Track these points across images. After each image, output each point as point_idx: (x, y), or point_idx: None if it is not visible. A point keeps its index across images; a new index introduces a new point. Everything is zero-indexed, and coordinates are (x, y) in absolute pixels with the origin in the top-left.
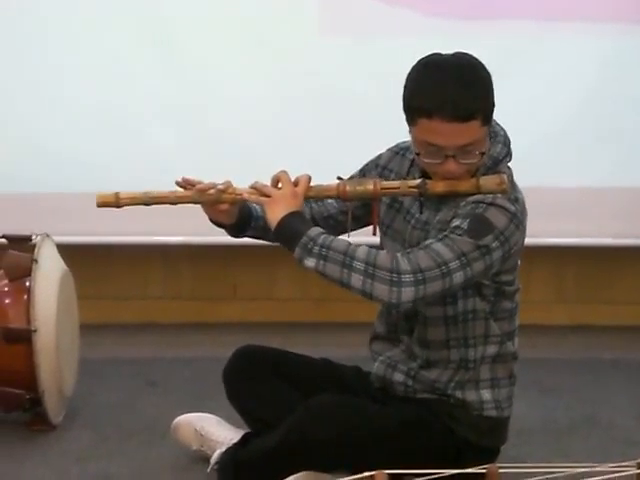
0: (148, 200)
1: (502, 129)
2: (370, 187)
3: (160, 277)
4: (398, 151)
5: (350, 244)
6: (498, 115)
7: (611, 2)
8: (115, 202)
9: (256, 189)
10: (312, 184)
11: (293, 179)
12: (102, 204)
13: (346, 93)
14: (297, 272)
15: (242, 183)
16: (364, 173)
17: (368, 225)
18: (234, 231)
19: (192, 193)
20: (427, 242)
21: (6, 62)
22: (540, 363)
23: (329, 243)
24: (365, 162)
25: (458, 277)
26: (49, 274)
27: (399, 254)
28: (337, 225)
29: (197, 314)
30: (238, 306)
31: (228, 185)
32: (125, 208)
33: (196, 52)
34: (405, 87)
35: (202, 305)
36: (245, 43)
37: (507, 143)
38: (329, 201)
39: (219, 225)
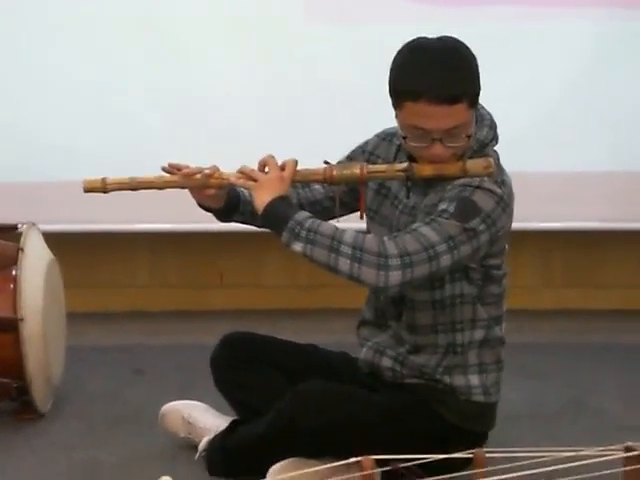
0: (135, 185)
1: (488, 113)
2: (357, 171)
3: (147, 265)
4: (385, 137)
5: (337, 228)
6: (486, 100)
7: None
8: (102, 187)
9: (243, 173)
10: (299, 168)
11: (280, 163)
12: (89, 189)
13: (333, 80)
14: (284, 259)
15: (229, 168)
16: (351, 159)
17: (355, 211)
18: (222, 216)
19: (178, 178)
20: (414, 225)
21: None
22: (528, 348)
23: (316, 227)
24: (352, 148)
25: (445, 260)
26: (35, 263)
27: (386, 238)
28: (324, 211)
29: (184, 302)
30: (225, 293)
31: (214, 170)
32: (111, 195)
33: (183, 39)
34: (391, 71)
35: (189, 293)
36: (232, 31)
37: (493, 127)
38: (315, 187)
39: (207, 209)
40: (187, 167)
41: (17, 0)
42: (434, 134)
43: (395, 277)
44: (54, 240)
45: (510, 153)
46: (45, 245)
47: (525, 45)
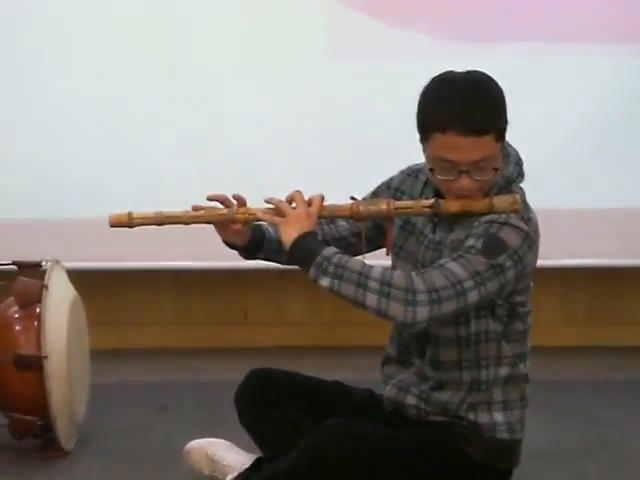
0: (161, 220)
1: (514, 149)
2: (383, 207)
3: (171, 302)
4: (410, 173)
5: (365, 264)
6: (509, 136)
7: (621, 23)
8: (128, 222)
9: (272, 204)
10: (325, 204)
11: (307, 199)
12: (115, 224)
13: (357, 115)
14: (308, 296)
15: (253, 204)
16: (376, 195)
17: (380, 247)
18: (246, 253)
19: (205, 213)
20: (441, 261)
21: (10, 91)
22: (552, 385)
23: (344, 262)
24: (377, 184)
25: (472, 296)
26: (59, 300)
27: (414, 273)
28: (348, 247)
29: (208, 339)
30: (249, 331)
31: (241, 199)
32: (136, 233)
33: (207, 75)
34: (419, 104)
35: (213, 330)
36: (255, 66)
37: (519, 163)
38: (340, 223)
39: (231, 246)
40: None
41: (40, 37)
42: (461, 166)
43: (423, 313)
44: (78, 277)
45: (533, 189)
46: (69, 282)
47: (548, 81)
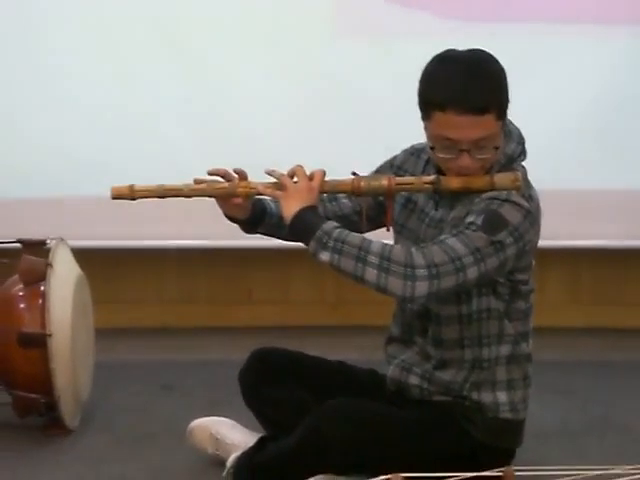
0: (162, 192)
1: (516, 128)
2: (384, 182)
3: (175, 281)
4: (413, 152)
5: (365, 238)
6: (513, 116)
7: (624, 4)
8: (130, 194)
9: (273, 176)
10: (327, 179)
11: (308, 174)
12: (117, 196)
13: (362, 95)
14: (312, 275)
15: (255, 179)
16: (379, 173)
17: (382, 226)
18: (248, 227)
19: (206, 186)
20: (441, 237)
21: (20, 68)
22: (555, 365)
23: (344, 237)
24: (380, 163)
25: (472, 272)
26: (64, 278)
27: (413, 248)
28: (350, 225)
29: (212, 318)
30: (253, 310)
31: (243, 173)
32: (140, 211)
33: (211, 54)
34: (420, 82)
35: (217, 309)
36: (260, 46)
37: (521, 142)
38: (343, 200)
39: (233, 220)
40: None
41: (47, 18)
42: (462, 145)
43: (422, 288)
44: (83, 256)
45: (537, 170)
46: (74, 261)
47: (551, 61)
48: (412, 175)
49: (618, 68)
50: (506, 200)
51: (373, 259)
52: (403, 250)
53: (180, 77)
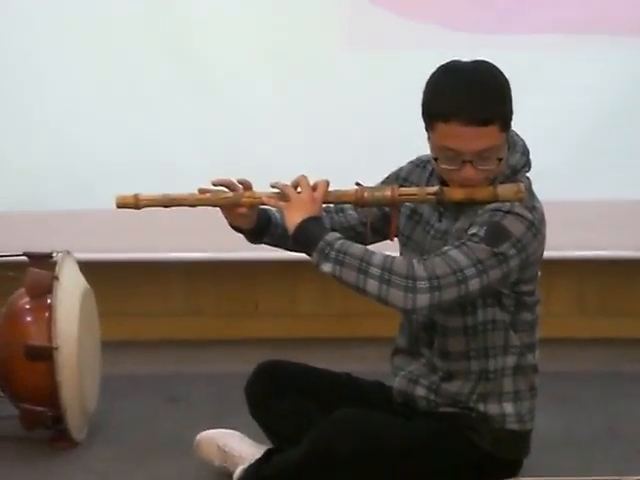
0: (167, 202)
1: (521, 139)
2: (388, 193)
3: (181, 293)
4: (419, 164)
5: (367, 250)
6: (520, 128)
7: (628, 15)
8: (134, 203)
9: (277, 188)
10: (330, 189)
11: (312, 184)
12: (121, 205)
13: (367, 105)
14: (319, 288)
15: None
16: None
17: (388, 238)
18: (252, 237)
19: (211, 195)
20: (444, 249)
21: (23, 79)
22: (562, 376)
23: (346, 248)
24: (387, 174)
25: (474, 284)
26: (70, 291)
27: (415, 260)
28: (357, 236)
29: (219, 330)
30: (260, 322)
31: (247, 183)
32: (147, 224)
33: (218, 65)
34: (424, 92)
35: (224, 321)
36: (266, 56)
37: (526, 153)
38: (349, 212)
39: (238, 230)
40: (221, 190)
41: (61, 29)
42: (465, 156)
43: (423, 300)
44: (89, 268)
45: (542, 181)
46: (80, 273)
47: (561, 73)
48: (417, 186)
49: (631, 80)
50: (509, 212)
51: (374, 271)
52: (405, 262)
53: (186, 88)
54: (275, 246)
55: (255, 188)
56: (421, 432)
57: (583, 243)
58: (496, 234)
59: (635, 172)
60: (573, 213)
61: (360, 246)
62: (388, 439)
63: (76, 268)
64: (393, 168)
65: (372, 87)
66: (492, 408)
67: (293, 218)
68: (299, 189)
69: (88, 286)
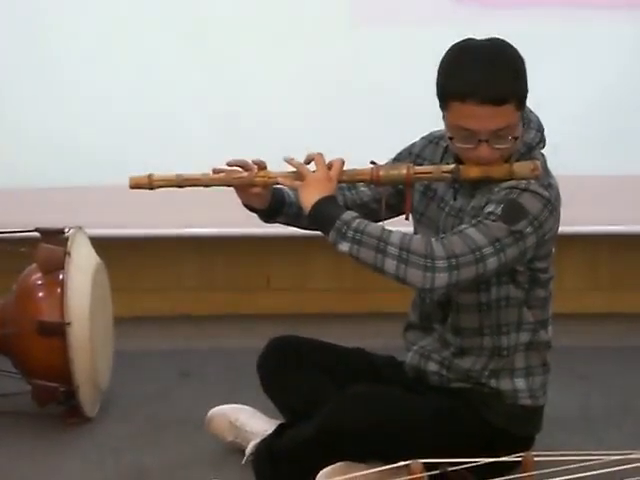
0: (181, 182)
1: (535, 116)
2: (403, 172)
3: (194, 269)
4: (432, 139)
5: (384, 229)
6: (531, 103)
7: None
8: (148, 184)
9: (292, 164)
10: (345, 168)
11: (327, 163)
12: (135, 186)
13: (378, 82)
14: (331, 263)
15: (272, 168)
16: (398, 161)
17: (401, 214)
18: (266, 216)
19: (225, 175)
20: (461, 227)
21: (33, 58)
22: (574, 351)
23: (363, 227)
24: (399, 151)
25: (492, 263)
26: (82, 267)
27: (433, 239)
28: (370, 213)
29: (231, 305)
30: (272, 297)
31: (262, 164)
32: (159, 200)
33: (227, 43)
34: (439, 72)
35: (236, 296)
36: (277, 36)
37: (540, 130)
38: (362, 189)
39: (252, 210)
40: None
41: (56, 9)
42: (480, 135)
43: (442, 279)
44: (101, 244)
45: (556, 156)
46: (92, 249)
47: (569, 47)
48: (431, 163)
49: (630, 53)
50: (525, 189)
51: (392, 250)
52: (423, 241)
53: (197, 68)
54: (289, 225)
55: (269, 167)
56: (433, 407)
57: (595, 218)
58: (513, 212)
59: None
60: (585, 188)
61: (377, 225)
62: (400, 414)
63: (88, 244)
64: (405, 144)
65: (383, 63)
66: (504, 384)
67: (309, 197)
68: (314, 167)
69: (100, 261)
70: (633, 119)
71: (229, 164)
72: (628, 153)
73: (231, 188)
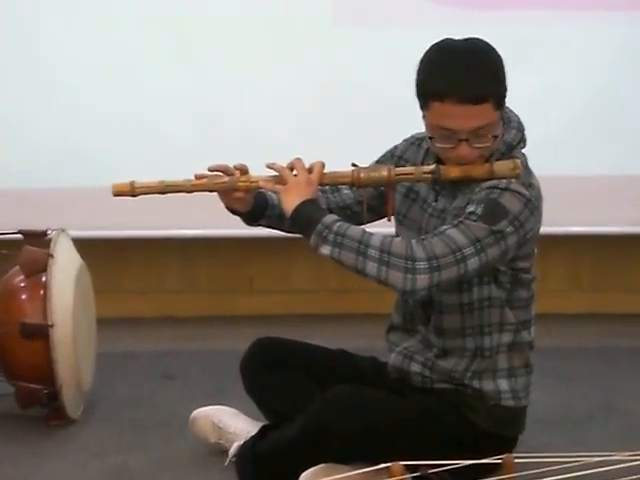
0: (163, 189)
1: (516, 115)
2: (384, 173)
3: (177, 270)
4: (414, 141)
5: (365, 231)
6: (512, 104)
7: None
8: (131, 191)
9: (273, 169)
10: (326, 171)
11: (307, 166)
12: (118, 193)
13: (359, 83)
14: (314, 264)
15: (256, 173)
16: (380, 164)
17: (384, 217)
18: (249, 219)
19: (207, 181)
20: (442, 228)
21: (19, 58)
22: (557, 352)
23: (344, 231)
24: (381, 153)
25: (473, 263)
26: (65, 269)
27: (414, 241)
28: (353, 215)
29: (214, 307)
30: (255, 299)
31: (243, 168)
32: (141, 202)
33: (209, 44)
34: (418, 71)
35: (219, 298)
36: (258, 34)
37: (521, 129)
38: (345, 191)
39: (235, 213)
40: (217, 174)
41: (42, 12)
42: (460, 134)
43: (423, 281)
44: (84, 246)
45: (537, 157)
46: (75, 251)
47: (550, 49)
48: (413, 164)
49: (620, 55)
50: (506, 189)
51: (373, 252)
52: (403, 243)
53: (181, 70)
54: (272, 228)
55: (250, 169)
56: (416, 409)
57: (578, 218)
58: (494, 212)
59: (630, 147)
60: (567, 188)
61: (358, 228)
62: (383, 416)
63: (71, 246)
64: (387, 144)
65: (364, 63)
66: (487, 385)
67: (290, 201)
68: (295, 172)
69: (83, 263)
70: (616, 120)
71: (210, 169)
72: (612, 154)
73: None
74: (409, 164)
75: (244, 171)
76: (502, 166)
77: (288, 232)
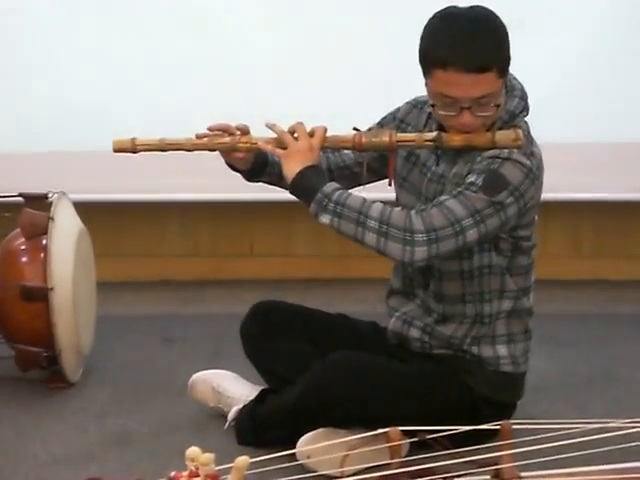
0: (164, 146)
1: (519, 83)
2: (386, 139)
3: (177, 234)
4: (416, 104)
5: (365, 201)
6: (514, 70)
7: None
8: (131, 147)
9: (274, 132)
10: (328, 135)
11: (309, 130)
12: (118, 149)
13: (360, 48)
14: (314, 229)
15: (255, 133)
16: (382, 126)
17: (384, 178)
18: (249, 176)
19: (207, 141)
20: (441, 198)
21: (19, 19)
22: (557, 318)
23: (344, 200)
24: (383, 115)
25: (472, 235)
26: (66, 232)
27: (413, 212)
28: (352, 176)
29: (214, 271)
30: (255, 263)
31: (245, 128)
32: (142, 165)
33: (209, 4)
34: (421, 39)
35: (219, 262)
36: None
37: (524, 97)
38: (345, 151)
39: (234, 169)
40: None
41: None
42: (463, 103)
43: (421, 253)
44: (84, 209)
45: (538, 123)
46: (75, 214)
47: (556, 13)
48: (415, 128)
49: (626, 19)
50: (507, 159)
51: (372, 223)
52: (402, 214)
53: (178, 30)
54: (272, 184)
55: (253, 132)
56: (415, 374)
57: (578, 184)
58: (494, 183)
59: (630, 115)
60: (568, 155)
61: (358, 197)
62: (382, 381)
63: (72, 209)
64: (388, 106)
65: (361, 28)
66: (486, 351)
67: (291, 167)
68: (296, 135)
69: (83, 227)
70: (619, 87)
71: (210, 129)
72: (611, 120)
73: (215, 153)
74: (411, 127)
75: (245, 132)
76: (504, 136)
77: (287, 189)
